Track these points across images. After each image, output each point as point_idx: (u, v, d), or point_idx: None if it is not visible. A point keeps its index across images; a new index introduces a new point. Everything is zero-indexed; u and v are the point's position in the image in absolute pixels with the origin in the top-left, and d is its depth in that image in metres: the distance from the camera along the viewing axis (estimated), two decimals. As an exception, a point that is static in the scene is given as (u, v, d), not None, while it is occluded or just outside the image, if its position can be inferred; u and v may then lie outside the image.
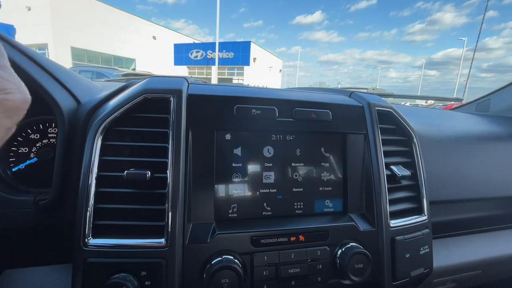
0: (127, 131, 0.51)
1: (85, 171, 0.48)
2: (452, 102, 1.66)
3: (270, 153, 0.58)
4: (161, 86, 0.53)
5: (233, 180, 0.55)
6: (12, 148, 0.67)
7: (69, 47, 20.56)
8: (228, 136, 0.55)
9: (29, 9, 19.42)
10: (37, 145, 0.69)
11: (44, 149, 0.68)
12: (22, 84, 0.29)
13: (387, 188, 0.61)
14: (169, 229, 0.47)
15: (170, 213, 0.47)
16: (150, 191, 0.49)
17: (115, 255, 0.45)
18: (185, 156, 0.50)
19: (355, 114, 0.63)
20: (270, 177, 0.58)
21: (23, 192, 0.60)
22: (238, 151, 0.56)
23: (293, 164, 0.59)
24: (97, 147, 0.48)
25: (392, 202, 0.62)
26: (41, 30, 19.12)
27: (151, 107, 0.52)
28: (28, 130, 0.69)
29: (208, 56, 29.33)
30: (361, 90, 0.82)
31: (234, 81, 26.59)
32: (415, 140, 0.68)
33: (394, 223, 0.60)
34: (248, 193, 0.56)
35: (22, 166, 0.67)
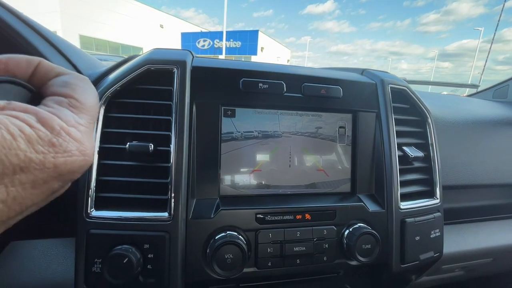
0: (130, 103, 0.49)
1: None
2: (468, 90, 1.59)
3: (276, 130, 0.56)
4: (165, 57, 0.51)
5: (238, 156, 0.54)
6: None
7: (78, 35, 20.63)
8: (233, 111, 0.53)
9: (38, -4, 19.43)
10: None
11: None
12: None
13: (399, 169, 0.58)
14: (172, 203, 0.46)
15: (173, 187, 0.46)
16: (153, 164, 0.48)
17: (117, 227, 0.45)
18: (189, 130, 0.49)
19: (367, 92, 0.60)
20: (277, 154, 0.56)
21: None
22: (244, 127, 0.54)
23: (300, 142, 0.57)
24: (99, 119, 0.47)
25: (403, 184, 0.59)
26: (50, 18, 19.19)
27: (155, 78, 0.50)
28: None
29: (215, 45, 29.05)
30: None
31: (241, 71, 26.31)
32: (429, 120, 0.65)
33: (404, 205, 0.58)
34: (254, 170, 0.55)
35: None
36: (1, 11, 0.50)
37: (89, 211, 0.45)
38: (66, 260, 0.53)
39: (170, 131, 0.48)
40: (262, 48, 29.46)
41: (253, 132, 0.54)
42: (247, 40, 28.55)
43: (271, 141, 0.55)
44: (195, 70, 0.51)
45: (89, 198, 0.45)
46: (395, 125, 0.60)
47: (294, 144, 0.57)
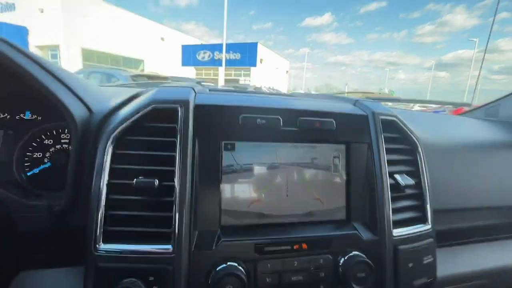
0: (137, 140, 0.53)
1: (97, 179, 0.50)
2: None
3: (274, 162, 0.59)
4: (169, 97, 0.55)
5: (238, 188, 0.57)
6: (27, 153, 0.70)
7: (80, 48, 20.99)
8: (233, 145, 0.57)
9: (42, 11, 19.92)
10: (51, 150, 0.72)
11: (57, 154, 0.71)
12: None
13: (391, 197, 0.61)
14: (176, 236, 0.49)
15: (177, 220, 0.49)
16: (158, 198, 0.51)
17: (124, 260, 0.47)
18: (191, 165, 0.52)
19: (359, 123, 0.64)
20: (274, 185, 0.59)
21: (37, 196, 0.63)
22: (243, 160, 0.57)
23: (297, 173, 0.60)
24: (108, 156, 0.51)
25: (396, 211, 0.62)
26: (53, 32, 19.59)
27: (160, 117, 0.54)
28: (42, 136, 0.72)
29: (215, 57, 29.50)
30: (368, 95, 0.83)
31: (241, 82, 26.66)
32: (419, 149, 0.68)
33: (397, 232, 0.60)
34: (252, 201, 0.57)
35: (36, 170, 0.70)
36: (11, 51, 0.53)
37: (97, 245, 0.48)
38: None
39: (174, 166, 0.51)
40: (261, 60, 29.96)
41: (252, 164, 0.58)
42: (247, 52, 29.06)
43: (269, 172, 0.59)
44: (198, 107, 0.55)
45: (97, 232, 0.48)
46: (386, 153, 0.63)
47: (291, 174, 0.60)
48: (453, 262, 0.81)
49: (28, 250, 0.57)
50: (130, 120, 0.52)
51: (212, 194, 0.54)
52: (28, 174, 0.70)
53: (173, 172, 0.51)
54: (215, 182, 0.55)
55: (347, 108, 0.67)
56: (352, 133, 0.63)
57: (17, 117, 0.72)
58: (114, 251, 0.47)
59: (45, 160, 0.71)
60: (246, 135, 0.57)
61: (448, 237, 0.87)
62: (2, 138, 0.70)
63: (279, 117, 0.58)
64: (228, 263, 0.50)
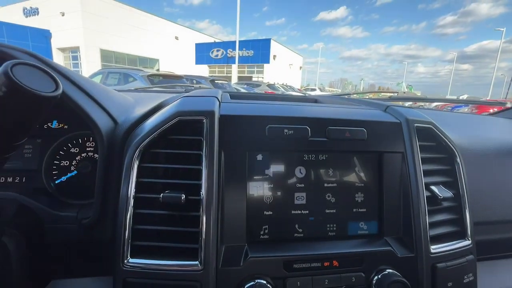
0: (162, 153, 0.52)
1: (123, 193, 0.49)
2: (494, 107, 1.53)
3: (302, 174, 0.56)
4: (194, 108, 0.53)
5: (265, 201, 0.55)
6: (55, 162, 0.72)
7: (98, 49, 21.70)
8: (259, 157, 0.55)
9: (63, 14, 20.75)
10: (77, 158, 0.73)
11: (83, 163, 0.71)
12: None
13: (427, 210, 0.57)
14: (203, 252, 0.47)
15: (204, 236, 0.48)
16: (185, 213, 0.50)
17: (152, 276, 0.46)
18: (218, 178, 0.50)
19: (392, 132, 0.60)
20: (302, 198, 0.56)
21: (65, 205, 0.64)
22: (269, 172, 0.55)
23: (325, 185, 0.57)
24: (134, 169, 0.50)
25: (433, 225, 0.58)
26: (73, 34, 20.39)
27: (185, 128, 0.52)
28: (69, 144, 0.73)
29: (228, 55, 29.61)
30: (389, 94, 0.78)
31: (254, 79, 26.61)
32: (458, 158, 0.63)
33: (435, 248, 0.56)
34: (279, 214, 0.55)
35: (63, 178, 0.71)
36: (39, 63, 0.54)
37: (125, 260, 0.47)
38: None
39: (201, 180, 0.50)
40: (274, 56, 29.71)
41: (278, 176, 0.55)
42: (260, 48, 28.91)
43: (297, 184, 0.56)
44: (223, 118, 0.53)
45: (125, 247, 0.48)
46: (422, 163, 0.59)
47: (319, 186, 0.57)
48: (493, 278, 0.75)
49: (58, 259, 0.58)
50: (156, 133, 0.51)
51: (238, 208, 0.52)
52: (56, 182, 0.71)
53: (199, 185, 0.50)
54: (242, 195, 0.53)
55: (378, 115, 0.63)
56: (385, 142, 0.59)
57: (45, 126, 0.73)
58: (142, 266, 0.47)
59: (72, 169, 0.72)
60: (273, 146, 0.54)
61: (487, 249, 0.81)
62: (31, 147, 0.72)
63: (307, 127, 0.55)
64: (257, 280, 0.48)
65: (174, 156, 0.52)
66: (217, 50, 30.44)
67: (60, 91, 0.40)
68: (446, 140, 0.63)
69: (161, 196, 0.48)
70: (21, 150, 0.72)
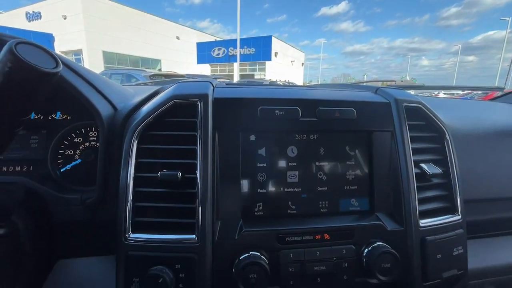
0: (159, 135, 0.55)
1: (124, 172, 0.52)
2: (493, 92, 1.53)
3: (294, 153, 0.59)
4: (189, 92, 0.56)
5: (258, 179, 0.57)
6: (60, 151, 0.75)
7: (101, 52, 21.88)
8: (252, 137, 0.57)
9: (65, 17, 20.94)
10: (80, 147, 0.76)
11: (87, 151, 0.75)
12: None
13: (416, 186, 0.59)
14: (200, 226, 0.50)
15: (200, 211, 0.51)
16: (182, 190, 0.53)
17: (152, 249, 0.49)
18: (212, 157, 0.53)
19: (381, 111, 0.62)
20: (295, 176, 0.59)
21: (70, 190, 0.67)
22: (262, 151, 0.58)
23: (317, 163, 0.59)
24: (133, 151, 0.53)
25: (422, 201, 0.60)
26: (76, 37, 20.55)
27: (180, 111, 0.55)
28: (72, 134, 0.76)
29: (229, 53, 29.60)
30: (389, 83, 0.80)
31: (256, 77, 26.58)
32: (447, 136, 0.65)
33: (424, 222, 0.58)
34: (273, 192, 0.58)
35: (68, 167, 0.75)
36: None
37: (127, 235, 0.50)
38: (107, 277, 0.59)
39: (196, 159, 0.53)
40: (276, 53, 29.64)
41: (271, 155, 0.58)
42: (261, 46, 28.85)
43: (289, 163, 0.58)
44: (216, 101, 0.56)
45: (127, 222, 0.51)
46: (411, 142, 0.61)
47: (311, 165, 0.59)
48: (486, 254, 0.77)
49: (65, 240, 0.61)
50: (152, 116, 0.54)
51: (232, 186, 0.55)
52: (62, 170, 0.75)
53: (195, 164, 0.52)
54: (236, 173, 0.55)
55: (368, 96, 0.65)
56: (374, 121, 0.61)
57: (49, 118, 0.77)
58: (143, 240, 0.50)
59: (76, 157, 0.76)
60: (265, 126, 0.57)
61: (479, 228, 0.82)
62: (37, 138, 0.76)
63: (298, 108, 0.58)
64: (251, 252, 0.51)
65: (171, 138, 0.55)
66: (219, 49, 30.46)
67: (60, 68, 0.43)
68: (435, 119, 0.65)
69: (159, 174, 0.51)
70: (27, 141, 0.76)
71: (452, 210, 0.63)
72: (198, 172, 0.52)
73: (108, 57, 22.45)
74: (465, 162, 0.75)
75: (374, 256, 0.53)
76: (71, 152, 0.76)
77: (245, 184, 0.56)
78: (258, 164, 0.57)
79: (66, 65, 0.61)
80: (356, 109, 0.60)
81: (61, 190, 0.63)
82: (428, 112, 0.65)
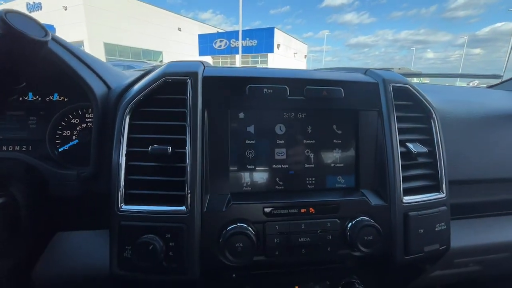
0: (150, 111, 0.56)
1: (117, 147, 0.54)
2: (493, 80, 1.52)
3: (282, 131, 0.60)
4: (179, 70, 0.57)
5: (247, 156, 0.59)
6: (58, 132, 0.77)
7: (102, 43, 21.76)
8: (241, 115, 0.59)
9: (66, 8, 20.77)
10: (78, 128, 0.78)
11: (84, 132, 0.77)
12: None
13: (402, 165, 0.61)
14: (189, 198, 0.52)
15: (189, 184, 0.53)
16: (172, 164, 0.55)
17: (143, 219, 0.52)
18: (201, 134, 0.55)
19: (369, 91, 0.63)
20: (282, 153, 0.60)
21: (67, 168, 0.69)
22: (251, 129, 0.59)
23: (304, 141, 0.61)
24: (125, 126, 0.55)
25: (407, 179, 0.62)
26: (77, 28, 20.42)
27: (171, 89, 0.57)
28: (70, 116, 0.78)
29: (231, 45, 29.31)
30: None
31: (258, 69, 26.27)
32: (434, 116, 0.66)
33: (407, 199, 0.60)
34: (261, 168, 0.60)
35: (66, 147, 0.78)
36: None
37: (120, 206, 0.53)
38: (103, 248, 0.62)
39: (185, 135, 0.54)
40: (278, 45, 29.31)
41: (259, 133, 0.60)
42: (263, 38, 28.54)
43: (277, 141, 0.60)
44: (206, 79, 0.57)
45: (120, 195, 0.53)
46: (397, 122, 0.62)
47: (298, 142, 0.61)
48: (470, 234, 0.79)
49: (63, 213, 0.64)
50: (144, 93, 0.56)
51: (221, 162, 0.57)
52: (60, 150, 0.77)
53: (184, 140, 0.54)
54: (224, 149, 0.57)
55: (356, 76, 0.66)
56: (362, 101, 0.62)
57: (47, 99, 0.79)
58: (134, 211, 0.52)
59: (73, 138, 0.78)
60: (253, 104, 0.58)
61: (464, 211, 0.84)
62: (35, 119, 0.78)
63: (286, 87, 0.59)
64: (238, 224, 0.53)
65: (162, 114, 0.56)
66: (220, 41, 30.17)
67: (49, 38, 0.44)
68: (423, 100, 0.66)
69: (149, 148, 0.53)
70: (26, 122, 0.78)
71: (436, 188, 0.65)
72: (187, 147, 0.54)
73: (110, 48, 22.35)
74: (454, 144, 0.77)
75: (357, 229, 0.55)
76: (68, 132, 0.79)
77: (233, 160, 0.58)
78: (247, 141, 0.59)
79: (60, 43, 0.62)
80: (344, 88, 0.61)
81: (59, 168, 0.65)
82: (416, 93, 0.66)
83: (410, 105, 0.67)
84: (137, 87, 0.58)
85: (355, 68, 0.75)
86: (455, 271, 0.86)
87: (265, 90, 0.58)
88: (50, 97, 0.79)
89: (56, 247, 0.62)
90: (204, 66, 0.62)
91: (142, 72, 0.73)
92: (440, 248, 0.63)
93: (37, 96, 0.79)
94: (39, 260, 0.60)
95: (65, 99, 0.79)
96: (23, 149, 0.78)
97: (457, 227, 0.69)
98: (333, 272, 0.64)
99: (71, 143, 0.78)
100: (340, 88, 0.61)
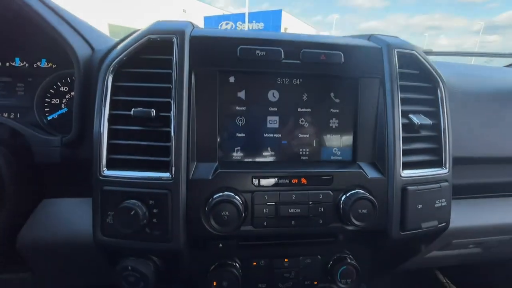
0: (134, 73, 0.53)
1: (99, 110, 0.52)
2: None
3: (275, 97, 0.57)
4: (165, 28, 0.53)
5: (237, 123, 0.56)
6: (46, 100, 0.75)
7: (107, 25, 21.43)
8: (231, 79, 0.55)
9: (69, -12, 20.30)
10: (66, 96, 0.76)
11: (73, 100, 0.74)
12: None
13: (403, 137, 0.57)
14: (173, 164, 0.50)
15: (174, 150, 0.50)
16: (156, 129, 0.52)
17: (126, 185, 0.50)
18: (188, 97, 0.51)
19: (371, 57, 0.58)
20: (275, 122, 0.57)
21: (52, 135, 0.67)
22: (241, 95, 0.56)
23: (299, 110, 0.57)
24: (107, 88, 0.52)
25: (408, 152, 0.58)
26: (80, 9, 20.03)
27: (156, 48, 0.53)
28: (58, 83, 0.76)
29: (238, 28, 28.63)
30: None
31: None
32: (441, 85, 0.61)
33: (407, 173, 0.57)
34: (252, 137, 0.56)
35: (55, 115, 0.75)
36: None
37: (102, 171, 0.50)
38: (87, 215, 0.60)
39: (170, 98, 0.51)
40: (285, 29, 28.48)
41: (250, 98, 0.56)
42: (270, 21, 27.74)
43: (270, 108, 0.57)
44: (194, 39, 0.53)
45: (102, 159, 0.51)
46: (401, 91, 0.58)
47: (293, 110, 0.57)
48: (471, 214, 0.75)
49: (48, 180, 0.63)
50: (126, 52, 0.52)
51: (209, 128, 0.54)
52: (48, 118, 0.75)
53: (169, 103, 0.51)
54: (212, 115, 0.54)
55: (358, 41, 0.61)
56: (362, 67, 0.58)
57: (34, 65, 0.76)
58: (117, 176, 0.50)
59: (62, 106, 0.76)
60: (245, 67, 0.54)
61: (471, 190, 0.81)
62: (23, 85, 0.76)
63: (281, 49, 0.54)
64: (225, 192, 0.51)
65: (146, 76, 0.53)
66: (226, 23, 29.43)
67: None
68: (430, 68, 0.61)
69: (132, 111, 0.50)
70: (14, 88, 0.76)
71: (439, 164, 0.61)
72: (172, 111, 0.51)
73: (114, 30, 21.93)
74: (461, 119, 0.72)
75: (351, 201, 0.52)
76: (57, 101, 0.76)
77: (222, 127, 0.55)
78: (237, 108, 0.56)
79: (45, 3, 0.59)
80: (344, 53, 0.56)
81: (43, 134, 0.63)
82: (423, 60, 0.61)
83: (416, 74, 0.62)
84: (120, 46, 0.54)
85: (359, 35, 0.69)
86: (454, 253, 0.83)
87: (257, 52, 0.54)
88: (38, 63, 0.76)
89: (42, 214, 0.60)
90: (194, 27, 0.57)
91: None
92: (439, 226, 0.60)
93: (25, 62, 0.76)
94: (24, 226, 0.59)
95: (54, 66, 0.77)
96: (11, 116, 0.76)
97: (457, 207, 0.65)
98: (325, 246, 0.62)
99: (59, 111, 0.76)
100: (340, 53, 0.56)
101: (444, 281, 1.38)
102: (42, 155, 0.59)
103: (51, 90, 0.76)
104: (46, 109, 0.76)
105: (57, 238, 0.59)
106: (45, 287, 0.73)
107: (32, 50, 0.75)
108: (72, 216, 0.60)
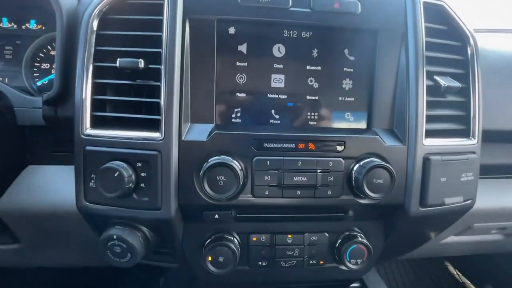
0: (122, 20, 0.47)
1: (81, 60, 0.46)
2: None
3: (281, 53, 0.50)
4: None
5: (237, 81, 0.49)
6: (36, 64, 0.70)
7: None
8: (231, 30, 0.48)
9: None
10: None
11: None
12: None
13: (427, 101, 0.49)
14: (164, 123, 0.44)
15: (165, 107, 0.44)
16: (145, 82, 0.46)
17: (111, 145, 0.45)
18: (181, 48, 0.45)
19: (393, 7, 0.50)
20: (280, 80, 0.50)
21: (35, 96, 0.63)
22: (243, 48, 0.49)
23: (308, 67, 0.50)
24: (92, 36, 0.46)
25: (432, 119, 0.51)
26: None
27: None
28: (48, 47, 0.71)
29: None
30: None
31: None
32: (472, 42, 0.53)
33: (430, 141, 0.50)
34: (253, 97, 0.50)
35: (45, 80, 0.71)
36: None
37: (84, 130, 0.45)
38: (73, 183, 0.56)
39: (161, 48, 0.45)
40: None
41: (254, 54, 0.49)
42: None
43: (275, 65, 0.50)
44: None
45: (85, 116, 0.45)
46: (426, 49, 0.50)
47: (300, 69, 0.50)
48: (498, 194, 0.68)
49: (33, 145, 0.58)
50: None
51: (205, 86, 0.48)
52: (38, 83, 0.71)
53: (159, 54, 0.45)
54: (209, 71, 0.48)
55: None
56: (382, 18, 0.50)
57: (23, 27, 0.71)
58: (101, 135, 0.45)
59: (52, 71, 0.71)
60: (246, 15, 0.47)
61: (493, 171, 0.73)
62: (11, 48, 0.71)
63: None
64: (222, 156, 0.45)
65: (135, 23, 0.47)
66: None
67: None
68: (461, 24, 0.53)
69: (117, 62, 0.44)
70: (1, 51, 0.71)
71: (466, 134, 0.54)
72: (162, 63, 0.45)
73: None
74: (496, 88, 0.64)
75: (365, 170, 0.45)
76: (47, 65, 0.71)
77: (220, 85, 0.49)
78: (238, 63, 0.49)
79: None
80: (361, 1, 0.49)
81: (26, 94, 0.59)
82: (453, 14, 0.53)
83: (444, 29, 0.54)
84: None
85: None
86: (472, 239, 0.76)
87: None
88: (27, 24, 0.72)
89: (24, 180, 0.56)
90: None
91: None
92: (464, 202, 0.53)
93: (13, 23, 0.71)
94: (7, 191, 0.55)
95: (43, 27, 0.72)
96: None
97: (480, 186, 0.58)
98: (333, 223, 0.55)
99: (49, 77, 0.71)
100: (357, 1, 0.48)
101: (455, 273, 1.32)
102: (25, 116, 0.54)
103: (40, 54, 0.71)
104: (35, 74, 0.71)
105: (41, 206, 0.55)
106: (37, 262, 0.71)
107: (21, 11, 0.70)
108: (57, 183, 0.56)
